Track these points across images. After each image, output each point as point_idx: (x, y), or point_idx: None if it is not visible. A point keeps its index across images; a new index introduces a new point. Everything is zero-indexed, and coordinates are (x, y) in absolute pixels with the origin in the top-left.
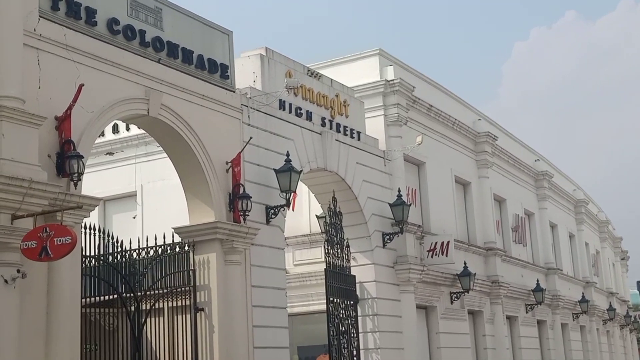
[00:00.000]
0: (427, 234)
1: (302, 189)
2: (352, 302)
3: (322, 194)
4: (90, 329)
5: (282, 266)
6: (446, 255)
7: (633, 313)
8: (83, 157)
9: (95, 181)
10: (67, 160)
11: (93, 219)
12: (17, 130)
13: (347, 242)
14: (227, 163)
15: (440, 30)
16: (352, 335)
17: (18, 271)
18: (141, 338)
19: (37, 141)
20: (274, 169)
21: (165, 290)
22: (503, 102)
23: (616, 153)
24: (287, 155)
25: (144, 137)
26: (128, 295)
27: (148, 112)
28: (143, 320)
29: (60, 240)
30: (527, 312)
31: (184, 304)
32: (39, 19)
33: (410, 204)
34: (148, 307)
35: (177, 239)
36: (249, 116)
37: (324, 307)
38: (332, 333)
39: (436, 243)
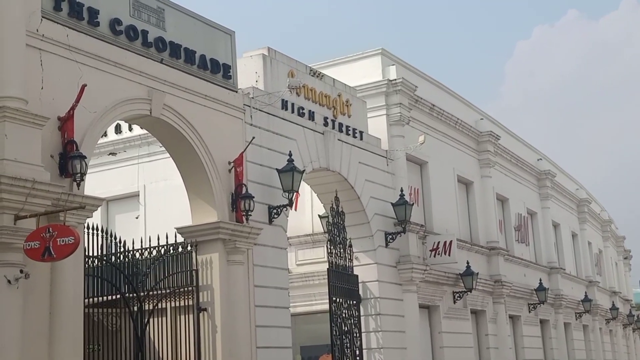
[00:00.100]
0: (430, 233)
1: (304, 188)
2: (354, 302)
3: (324, 194)
4: (93, 329)
5: (285, 266)
6: (449, 255)
7: (636, 312)
8: (86, 158)
9: (98, 181)
10: (69, 161)
11: (96, 219)
12: (20, 131)
13: (350, 241)
14: (229, 163)
15: (442, 30)
16: (354, 334)
17: (21, 271)
18: (144, 338)
19: (40, 141)
20: (277, 169)
21: (168, 291)
22: (505, 101)
23: (617, 153)
24: (290, 155)
25: (146, 138)
26: (131, 295)
27: (150, 113)
28: (146, 320)
29: (63, 241)
30: (529, 312)
31: (186, 304)
32: (42, 20)
33: (413, 204)
34: (151, 307)
35: (180, 239)
36: (251, 116)
37: (326, 306)
38: (334, 333)
39: (439, 242)
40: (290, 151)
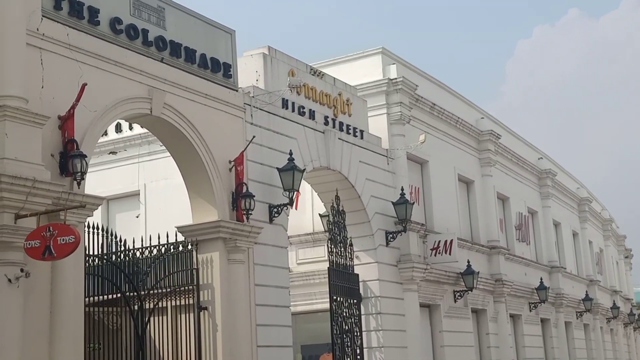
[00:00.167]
0: (431, 232)
1: (305, 187)
2: (355, 301)
3: (325, 193)
4: (93, 328)
5: (286, 265)
6: (449, 254)
7: (637, 311)
8: (86, 157)
9: (99, 180)
10: (70, 160)
11: (96, 218)
12: (21, 130)
13: (351, 240)
14: (230, 162)
15: (443, 29)
16: (355, 333)
17: (21, 270)
18: (145, 337)
19: (41, 140)
20: (277, 168)
21: (168, 289)
22: (506, 100)
23: (617, 152)
24: (290, 154)
25: (146, 136)
26: (131, 294)
27: (151, 112)
28: (146, 319)
29: (63, 240)
30: (530, 311)
31: (187, 302)
32: (42, 19)
33: (414, 203)
34: (151, 306)
35: (181, 237)
36: (251, 115)
37: (327, 305)
38: (335, 332)
39: (439, 241)
40: (290, 150)
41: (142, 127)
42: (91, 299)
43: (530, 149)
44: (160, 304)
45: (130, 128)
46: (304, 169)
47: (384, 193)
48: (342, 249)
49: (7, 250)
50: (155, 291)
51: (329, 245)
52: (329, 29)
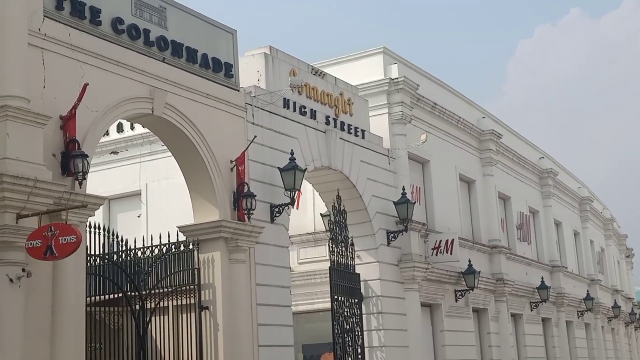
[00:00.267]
0: (432, 232)
1: (306, 187)
2: (356, 300)
3: (326, 192)
4: (95, 328)
5: (287, 264)
6: (451, 253)
7: (638, 310)
8: (88, 156)
9: (100, 180)
10: (71, 160)
11: (98, 217)
12: (22, 130)
13: (352, 240)
14: (231, 162)
15: (444, 28)
16: (356, 333)
17: (23, 270)
18: (146, 336)
19: (42, 140)
20: (279, 168)
21: (170, 289)
22: (508, 100)
23: (617, 152)
24: (292, 153)
25: (148, 136)
26: (133, 293)
27: (152, 111)
28: (148, 318)
29: (65, 239)
30: (531, 310)
31: (188, 302)
32: (44, 19)
33: (415, 202)
34: (153, 305)
35: (182, 237)
36: (253, 115)
37: (328, 305)
38: (336, 331)
39: (441, 241)
40: (292, 150)
41: (143, 127)
42: (92, 298)
43: (531, 148)
44: (161, 303)
45: (132, 128)
46: (305, 169)
47: (385, 192)
48: (344, 249)
49: (9, 250)
50: (157, 291)
51: (330, 245)
52: (329, 29)
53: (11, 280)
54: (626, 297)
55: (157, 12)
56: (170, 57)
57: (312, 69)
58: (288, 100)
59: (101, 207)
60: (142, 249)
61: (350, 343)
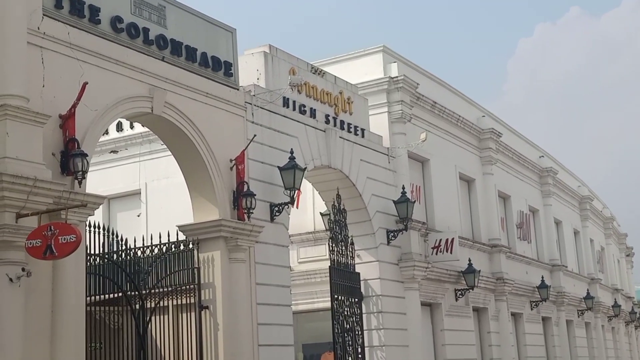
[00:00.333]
0: (432, 231)
1: (306, 186)
2: (356, 300)
3: (326, 192)
4: (95, 327)
5: (287, 264)
6: (451, 252)
7: (638, 309)
8: (87, 156)
9: (100, 179)
10: (71, 159)
11: (97, 217)
12: (22, 129)
13: (352, 239)
14: (231, 161)
15: (444, 27)
16: (356, 332)
17: (23, 270)
18: (146, 336)
19: (42, 140)
20: (278, 167)
21: (169, 288)
22: (508, 98)
23: (617, 151)
24: (291, 152)
25: (148, 135)
26: (133, 293)
27: (152, 110)
28: (148, 318)
29: (64, 239)
30: (532, 309)
31: (188, 301)
32: (43, 18)
33: (415, 201)
34: (153, 305)
35: (182, 237)
36: (252, 114)
37: (328, 304)
38: (336, 330)
39: (440, 240)
40: (291, 149)
41: (143, 125)
42: (92, 298)
43: (531, 147)
44: (161, 303)
45: (131, 127)
46: (305, 168)
47: (385, 191)
48: (343, 248)
49: (9, 250)
50: (157, 290)
51: (330, 244)
52: (329, 29)
53: (11, 279)
54: (626, 296)
55: (157, 10)
56: (169, 55)
57: (312, 68)
58: (288, 99)
59: (101, 207)
60: (142, 249)
61: (350, 342)
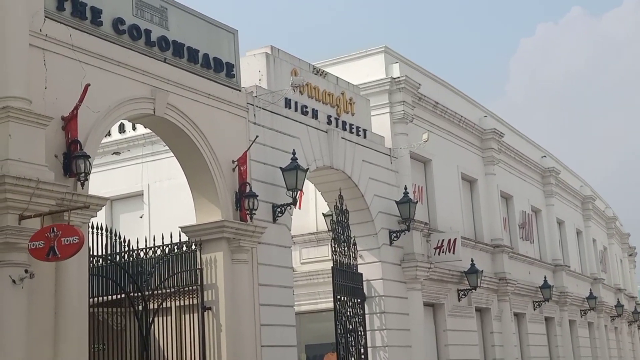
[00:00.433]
0: (434, 231)
1: (308, 187)
2: (359, 300)
3: (328, 192)
4: (98, 329)
5: (289, 264)
6: (453, 253)
7: None
8: (90, 157)
9: (102, 181)
10: (73, 160)
11: (100, 218)
12: (24, 131)
13: (354, 240)
14: (233, 162)
15: (445, 27)
16: (359, 333)
17: (26, 271)
18: (149, 337)
19: (44, 141)
20: (281, 168)
21: (172, 290)
22: (510, 98)
23: (620, 150)
24: (294, 153)
25: (150, 137)
26: (135, 294)
27: (154, 112)
28: (151, 319)
29: (67, 240)
30: (534, 309)
31: (191, 303)
32: (45, 19)
33: (417, 202)
34: (155, 306)
35: (184, 238)
36: (254, 115)
37: (331, 305)
38: (339, 331)
39: (443, 240)
40: (294, 150)
41: (145, 127)
42: (95, 299)
43: (533, 147)
44: (164, 304)
45: (134, 128)
46: (307, 169)
47: (387, 192)
48: (346, 249)
49: (12, 251)
50: (159, 291)
51: (333, 245)
52: (331, 29)
53: (14, 281)
54: (629, 296)
55: (158, 12)
56: (171, 57)
57: (314, 69)
58: (290, 100)
59: (103, 208)
60: (144, 250)
61: (353, 343)
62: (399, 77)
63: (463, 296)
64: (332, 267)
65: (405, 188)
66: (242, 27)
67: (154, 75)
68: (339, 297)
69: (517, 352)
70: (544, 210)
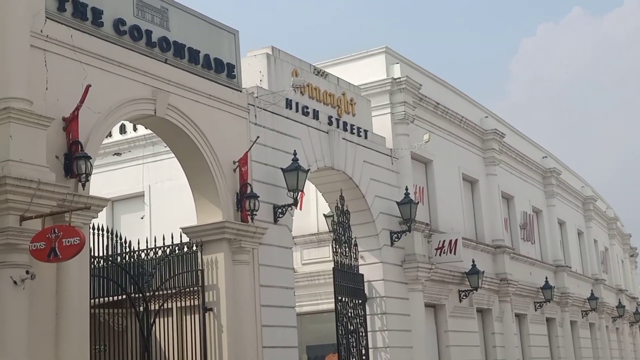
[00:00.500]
0: (435, 232)
1: (309, 188)
2: (360, 301)
3: (329, 193)
4: (99, 330)
5: (290, 265)
6: (454, 254)
7: None
8: (91, 158)
9: (103, 182)
10: (74, 161)
11: (101, 219)
12: (25, 132)
13: (355, 240)
14: (234, 162)
15: (446, 28)
16: (360, 334)
17: (27, 272)
18: (150, 338)
19: (45, 142)
20: (281, 168)
21: (173, 291)
22: (511, 99)
23: (621, 151)
24: (294, 154)
25: (151, 138)
26: (137, 295)
27: (155, 113)
28: (152, 320)
29: (68, 241)
30: (536, 310)
31: (192, 304)
32: (46, 20)
33: (418, 202)
34: (157, 307)
35: (185, 239)
36: (255, 115)
37: (332, 306)
38: (340, 332)
39: (444, 241)
40: (294, 150)
41: (146, 128)
42: (96, 300)
43: (534, 147)
44: (165, 305)
45: (135, 129)
46: (308, 169)
47: (388, 193)
48: (347, 249)
49: (13, 252)
50: (161, 292)
51: (334, 246)
52: (332, 29)
53: (15, 282)
54: (630, 297)
55: (159, 13)
56: (172, 58)
57: (315, 69)
58: (290, 100)
59: (104, 209)
60: (145, 251)
61: (354, 344)
62: (399, 78)
63: (464, 297)
64: (333, 268)
65: (406, 189)
66: (242, 28)
67: (155, 76)
68: (340, 298)
69: (518, 353)
70: (545, 210)
